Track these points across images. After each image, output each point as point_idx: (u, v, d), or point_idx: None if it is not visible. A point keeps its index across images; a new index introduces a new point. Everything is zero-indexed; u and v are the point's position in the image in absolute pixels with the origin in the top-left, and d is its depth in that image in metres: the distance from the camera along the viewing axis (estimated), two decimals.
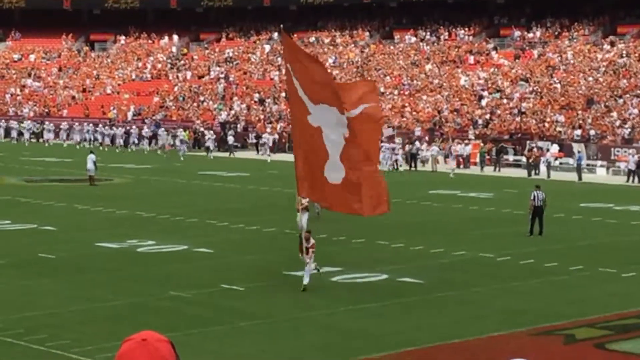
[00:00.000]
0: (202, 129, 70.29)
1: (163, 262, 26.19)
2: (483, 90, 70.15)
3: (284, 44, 26.53)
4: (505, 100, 67.70)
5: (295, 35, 78.85)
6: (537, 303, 21.99)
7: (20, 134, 76.99)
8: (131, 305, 21.22)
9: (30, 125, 77.59)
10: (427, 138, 62.44)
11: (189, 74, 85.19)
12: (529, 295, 22.83)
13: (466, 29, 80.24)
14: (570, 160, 56.54)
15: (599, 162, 56.92)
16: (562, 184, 48.94)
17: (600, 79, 66.88)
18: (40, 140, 76.28)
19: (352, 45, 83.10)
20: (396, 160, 57.64)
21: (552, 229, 31.87)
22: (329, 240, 29.56)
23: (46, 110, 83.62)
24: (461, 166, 57.86)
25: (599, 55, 70.81)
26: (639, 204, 41.16)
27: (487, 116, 65.85)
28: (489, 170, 56.82)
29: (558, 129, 61.68)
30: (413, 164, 58.20)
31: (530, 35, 77.00)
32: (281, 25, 26.89)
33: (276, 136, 67.46)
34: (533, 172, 54.83)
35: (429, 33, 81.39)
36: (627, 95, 64.11)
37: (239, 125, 73.08)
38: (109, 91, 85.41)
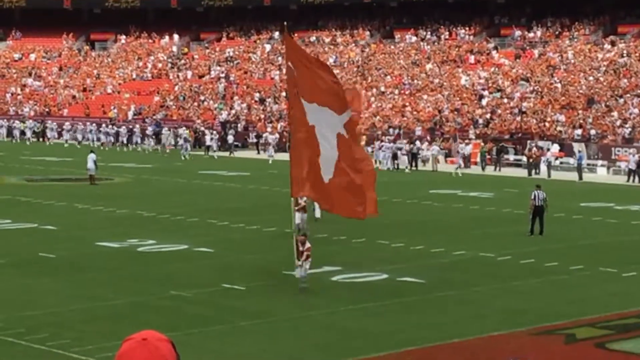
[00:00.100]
0: (202, 129, 70.30)
1: (163, 262, 26.19)
2: (483, 89, 70.14)
3: (286, 43, 26.54)
4: (505, 100, 67.69)
5: (295, 34, 78.80)
6: (537, 303, 21.99)
7: (23, 133, 77.03)
8: (132, 304, 21.23)
9: (33, 124, 77.66)
10: (428, 137, 62.44)
11: (189, 74, 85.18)
12: (529, 295, 22.83)
13: (467, 28, 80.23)
14: (571, 160, 56.52)
15: (600, 162, 56.91)
16: (563, 184, 48.93)
17: (601, 79, 66.86)
18: (41, 139, 76.27)
19: (353, 44, 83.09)
20: (395, 159, 57.60)
21: (553, 229, 31.86)
22: (329, 240, 29.58)
23: (47, 109, 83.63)
24: (462, 166, 57.82)
25: (600, 54, 70.80)
26: (639, 203, 41.14)
27: (488, 116, 65.85)
28: (489, 170, 56.82)
29: (558, 128, 61.68)
30: (414, 164, 58.19)
31: (531, 34, 76.98)
32: (285, 23, 26.80)
33: (277, 135, 67.45)
34: (533, 171, 54.82)
35: (429, 32, 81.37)
36: (628, 95, 64.09)
37: (239, 125, 73.09)
38: (109, 90, 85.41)
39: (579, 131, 60.48)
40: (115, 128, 73.94)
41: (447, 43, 79.47)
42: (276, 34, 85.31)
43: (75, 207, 37.25)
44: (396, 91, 73.43)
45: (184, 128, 69.09)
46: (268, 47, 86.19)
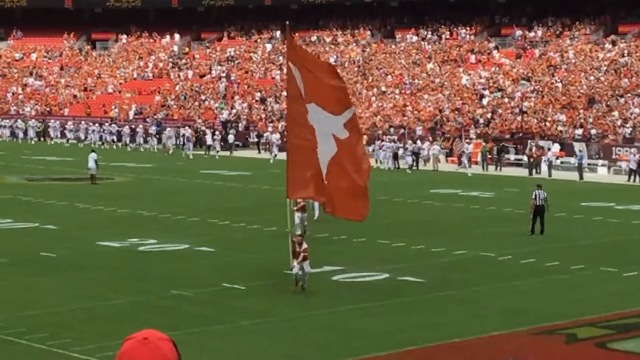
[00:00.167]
0: (203, 128, 70.30)
1: (164, 261, 26.21)
2: (484, 89, 70.13)
3: (288, 43, 26.49)
4: (506, 100, 67.68)
5: (296, 34, 78.75)
6: (538, 302, 21.99)
7: (25, 132, 77.04)
8: (132, 304, 21.24)
9: (35, 124, 77.70)
10: (430, 137, 62.42)
11: (190, 73, 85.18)
12: (530, 295, 22.83)
13: (467, 28, 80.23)
14: (572, 160, 56.49)
15: (600, 162, 56.89)
16: (564, 183, 48.91)
17: (602, 78, 66.84)
18: (42, 139, 76.26)
19: (354, 44, 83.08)
20: (396, 159, 57.57)
21: (553, 228, 31.86)
22: (329, 240, 29.60)
23: (48, 109, 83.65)
24: (467, 166, 57.78)
25: (600, 54, 70.78)
26: None
27: (489, 115, 65.84)
28: (490, 170, 56.80)
29: (559, 128, 61.67)
30: (415, 163, 58.15)
31: (532, 34, 76.98)
32: (287, 22, 26.74)
33: (278, 135, 67.41)
34: (534, 171, 54.81)
35: (430, 32, 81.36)
36: (629, 95, 64.08)
37: (240, 125, 73.10)
38: (110, 90, 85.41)
39: (579, 131, 60.47)
40: (117, 127, 73.92)
41: (448, 43, 79.47)
42: (277, 34, 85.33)
43: (76, 207, 37.26)
44: (397, 91, 73.43)
45: (187, 128, 69.06)
46: (269, 46, 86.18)
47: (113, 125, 74.29)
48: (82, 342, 17.82)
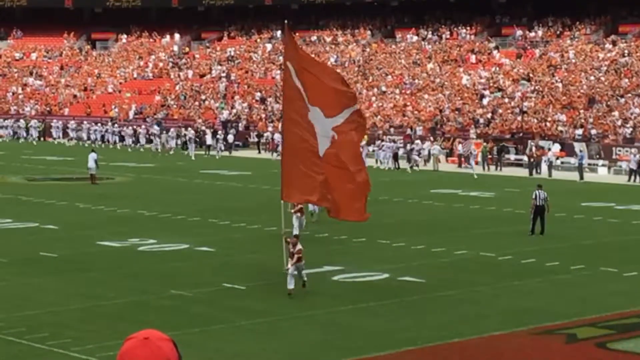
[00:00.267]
0: (203, 128, 70.28)
1: (164, 261, 26.21)
2: (485, 89, 70.12)
3: (288, 42, 26.44)
4: (506, 100, 67.68)
5: (296, 34, 78.66)
6: (538, 302, 21.99)
7: (27, 132, 77.03)
8: (132, 303, 21.24)
9: (36, 123, 77.69)
10: (431, 137, 62.41)
11: (190, 73, 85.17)
12: (530, 295, 22.83)
13: (468, 28, 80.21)
14: (572, 160, 56.47)
15: (601, 162, 56.87)
16: (564, 183, 48.91)
17: (602, 78, 66.84)
18: (42, 139, 76.22)
19: (354, 44, 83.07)
20: (395, 158, 57.55)
21: (554, 228, 31.85)
22: (329, 240, 29.61)
23: (48, 109, 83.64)
24: (463, 165, 57.82)
25: (601, 54, 70.77)
26: None
27: (489, 115, 65.83)
28: (490, 170, 56.78)
29: (559, 128, 61.66)
30: (416, 163, 58.09)
31: (532, 34, 76.96)
32: (285, 21, 26.73)
33: (279, 135, 67.41)
34: (534, 171, 54.79)
35: (430, 32, 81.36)
36: (629, 95, 64.07)
37: (240, 124, 73.09)
38: (110, 90, 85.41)
39: (580, 131, 60.46)
40: (118, 127, 73.89)
41: (448, 42, 79.45)
42: (277, 33, 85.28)
43: (76, 207, 37.27)
44: (397, 91, 73.42)
45: (190, 128, 68.99)
46: (269, 46, 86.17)
47: (115, 125, 74.26)
48: (82, 342, 17.81)
